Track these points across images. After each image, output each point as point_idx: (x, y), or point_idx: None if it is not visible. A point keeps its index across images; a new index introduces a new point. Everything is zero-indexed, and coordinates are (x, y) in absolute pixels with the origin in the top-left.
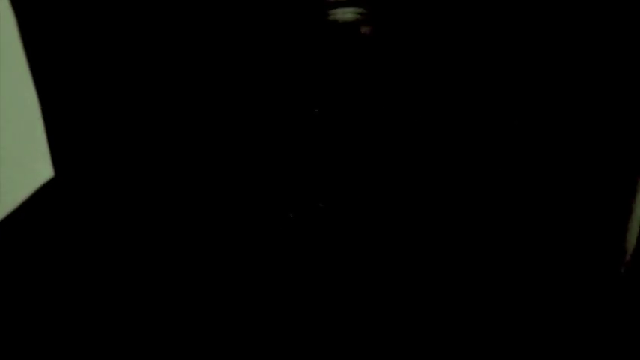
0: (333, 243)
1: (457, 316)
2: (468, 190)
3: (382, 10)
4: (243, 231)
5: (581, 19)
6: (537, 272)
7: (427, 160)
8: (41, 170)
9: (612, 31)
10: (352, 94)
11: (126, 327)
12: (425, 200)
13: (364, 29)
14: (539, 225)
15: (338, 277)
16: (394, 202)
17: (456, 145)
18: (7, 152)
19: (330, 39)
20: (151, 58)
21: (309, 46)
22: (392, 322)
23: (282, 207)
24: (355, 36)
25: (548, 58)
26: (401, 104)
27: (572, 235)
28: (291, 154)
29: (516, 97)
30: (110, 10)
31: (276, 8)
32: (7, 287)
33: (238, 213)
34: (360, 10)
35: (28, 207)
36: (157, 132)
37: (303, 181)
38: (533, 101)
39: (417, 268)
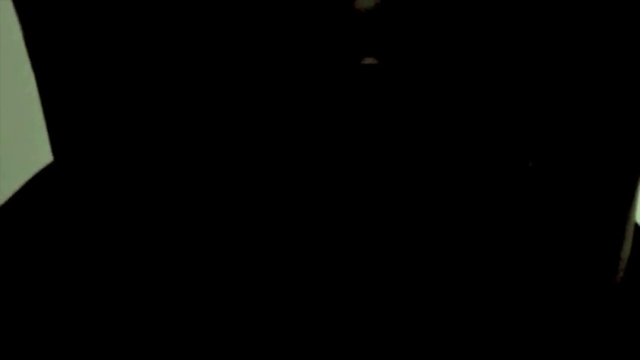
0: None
1: (452, 318)
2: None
3: (403, 59)
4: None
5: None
6: (530, 285)
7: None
8: (39, 155)
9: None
10: (360, 132)
11: (128, 322)
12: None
13: (382, 74)
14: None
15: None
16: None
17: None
18: (6, 137)
19: (348, 81)
20: (165, 59)
21: (325, 86)
22: (387, 318)
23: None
24: (372, 80)
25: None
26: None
27: (565, 246)
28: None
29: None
30: (116, 11)
31: (296, 43)
32: (4, 273)
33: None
34: (380, 57)
35: (25, 192)
36: (160, 125)
37: (293, 190)
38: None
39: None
